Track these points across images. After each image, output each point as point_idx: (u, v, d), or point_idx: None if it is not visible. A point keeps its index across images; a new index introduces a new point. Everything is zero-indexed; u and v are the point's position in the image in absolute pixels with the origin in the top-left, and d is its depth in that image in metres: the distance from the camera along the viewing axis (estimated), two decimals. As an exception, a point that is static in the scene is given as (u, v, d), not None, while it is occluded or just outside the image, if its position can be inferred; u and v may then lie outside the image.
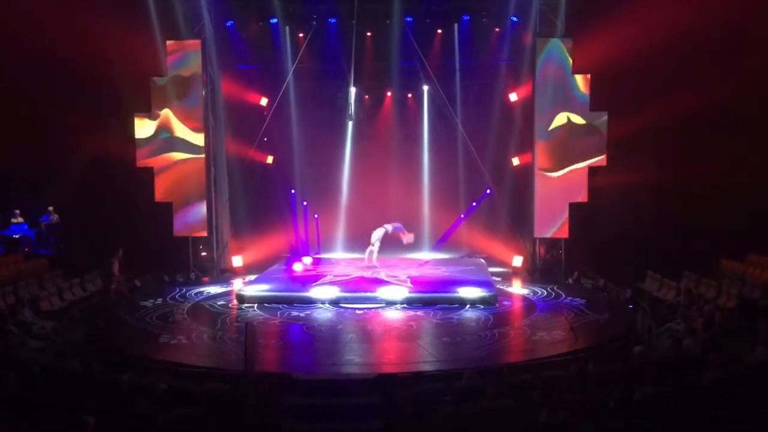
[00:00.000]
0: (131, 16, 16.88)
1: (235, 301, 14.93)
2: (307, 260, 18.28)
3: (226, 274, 18.43)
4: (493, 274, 17.64)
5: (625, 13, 15.84)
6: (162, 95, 17.91)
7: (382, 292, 14.72)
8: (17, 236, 18.25)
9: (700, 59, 16.82)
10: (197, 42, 17.95)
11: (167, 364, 10.47)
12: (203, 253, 18.89)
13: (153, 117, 17.99)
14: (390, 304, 14.35)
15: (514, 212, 19.37)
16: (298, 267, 17.64)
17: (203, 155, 18.12)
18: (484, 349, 11.48)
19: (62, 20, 15.95)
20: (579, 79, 17.44)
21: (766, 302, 13.49)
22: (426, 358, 11.04)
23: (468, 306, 14.26)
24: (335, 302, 14.46)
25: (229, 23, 18.89)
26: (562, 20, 17.55)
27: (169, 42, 17.84)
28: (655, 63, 17.17)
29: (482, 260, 19.07)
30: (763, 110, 16.69)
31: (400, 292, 14.80)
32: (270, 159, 20.15)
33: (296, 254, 19.29)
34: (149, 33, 17.55)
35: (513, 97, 18.99)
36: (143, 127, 18.03)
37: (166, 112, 17.95)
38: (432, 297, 14.72)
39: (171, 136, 18.02)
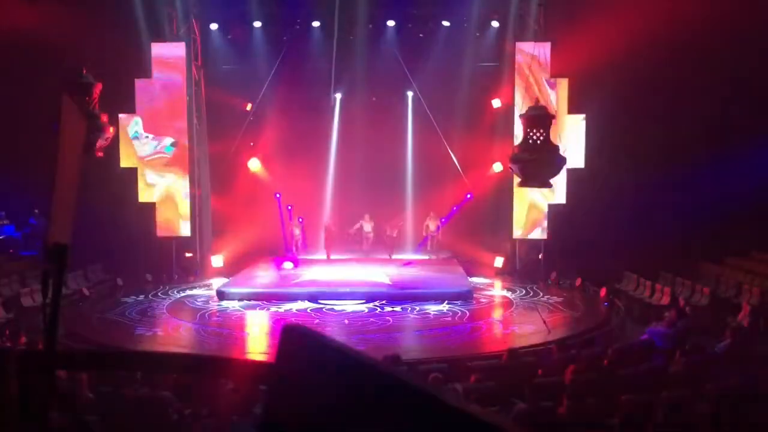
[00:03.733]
0: (116, 17, 17.03)
1: (215, 298, 15.04)
2: (288, 265, 18.23)
3: (208, 274, 18.48)
4: (473, 274, 17.79)
5: (602, 17, 16.03)
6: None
7: (361, 289, 14.91)
8: (1, 237, 18.28)
9: (678, 62, 17.06)
10: (181, 44, 18.09)
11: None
12: (187, 254, 18.94)
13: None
14: (368, 300, 14.52)
15: (494, 214, 19.53)
16: (283, 267, 17.75)
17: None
18: (459, 341, 11.66)
19: (46, 21, 16.04)
20: (557, 82, 17.67)
21: (739, 300, 13.74)
22: (403, 351, 11.16)
23: (445, 302, 14.44)
24: (313, 298, 14.63)
25: (213, 26, 19.06)
26: (541, 24, 17.78)
27: (153, 43, 17.99)
28: (633, 66, 17.39)
29: (462, 261, 19.19)
30: (745, 112, 16.95)
31: (379, 288, 14.99)
32: (253, 161, 20.22)
33: (281, 256, 19.32)
34: (134, 34, 17.69)
35: (496, 103, 19.05)
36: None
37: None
38: (410, 293, 14.91)
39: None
